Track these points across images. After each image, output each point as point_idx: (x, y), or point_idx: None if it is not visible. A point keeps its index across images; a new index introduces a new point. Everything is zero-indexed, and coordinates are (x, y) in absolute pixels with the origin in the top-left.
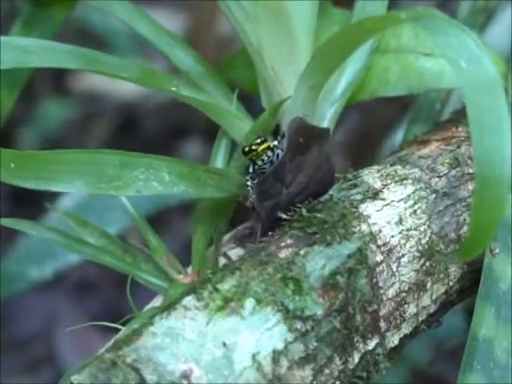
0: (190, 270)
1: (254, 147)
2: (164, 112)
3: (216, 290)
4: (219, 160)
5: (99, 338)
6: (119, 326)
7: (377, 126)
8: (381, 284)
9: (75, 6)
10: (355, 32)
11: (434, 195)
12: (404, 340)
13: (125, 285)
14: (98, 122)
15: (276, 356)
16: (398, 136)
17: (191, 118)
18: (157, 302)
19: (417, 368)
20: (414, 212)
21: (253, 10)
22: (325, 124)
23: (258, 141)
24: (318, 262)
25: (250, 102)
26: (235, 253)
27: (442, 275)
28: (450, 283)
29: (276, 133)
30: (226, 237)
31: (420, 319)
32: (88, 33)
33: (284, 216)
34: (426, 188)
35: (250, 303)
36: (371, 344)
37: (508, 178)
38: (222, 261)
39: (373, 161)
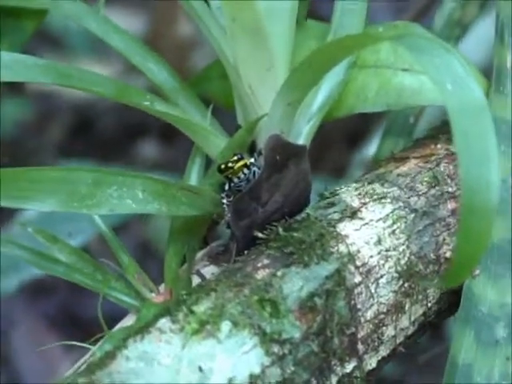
0: (162, 288)
1: (230, 164)
2: (119, 112)
3: (191, 312)
4: (193, 177)
5: (55, 340)
6: (89, 346)
7: (336, 135)
8: (359, 306)
9: (45, 18)
10: (334, 49)
11: (413, 215)
12: (381, 362)
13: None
14: (53, 122)
15: (253, 381)
16: (369, 149)
17: (147, 117)
18: (128, 321)
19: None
20: (393, 232)
21: (230, 26)
22: (300, 140)
23: (235, 158)
24: (296, 284)
25: (223, 116)
26: (209, 270)
27: (420, 296)
28: (429, 304)
29: (252, 149)
30: (199, 254)
31: (398, 341)
32: (43, 32)
33: (260, 235)
34: (405, 207)
35: (226, 326)
36: (349, 367)
37: (494, 206)
38: (195, 279)
39: (338, 172)
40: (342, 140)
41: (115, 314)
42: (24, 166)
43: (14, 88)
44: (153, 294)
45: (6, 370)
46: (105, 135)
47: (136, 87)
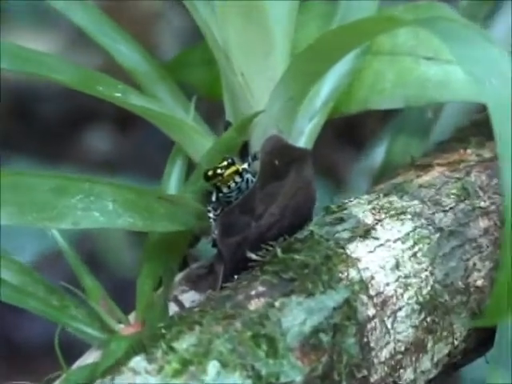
0: (132, 317)
1: (219, 171)
2: (66, 95)
3: (171, 349)
4: (172, 183)
5: None
6: None
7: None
8: (372, 344)
9: None
10: (347, 35)
11: (437, 234)
12: None
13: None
14: None
15: None
16: (377, 151)
17: (98, 101)
18: (89, 356)
19: None
20: (414, 255)
21: (220, 2)
22: (302, 141)
23: (224, 163)
24: (297, 317)
25: (208, 110)
26: (188, 297)
27: (445, 333)
28: (455, 342)
29: (243, 152)
30: (177, 277)
31: None
32: None
33: (253, 256)
34: (429, 225)
35: (213, 367)
36: None
37: None
38: (172, 307)
39: (329, 173)
40: (334, 134)
41: (70, 344)
42: None
43: None
44: (121, 325)
45: None
46: (48, 122)
47: (105, 75)
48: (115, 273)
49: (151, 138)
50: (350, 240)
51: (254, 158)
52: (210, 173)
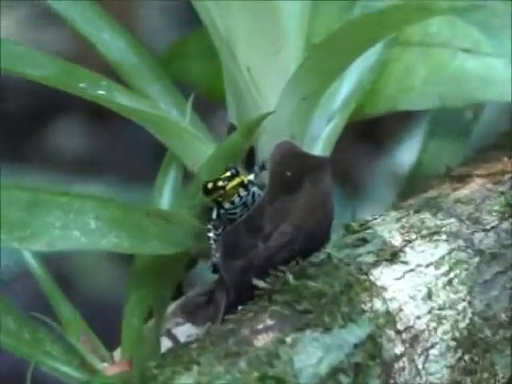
0: (118, 354)
1: (220, 183)
2: (31, 88)
3: None
4: (165, 197)
5: None
6: None
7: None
8: None
9: None
10: (373, 25)
11: (477, 258)
12: None
13: None
14: None
15: None
16: (404, 155)
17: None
18: None
19: None
20: (449, 282)
21: None
22: (318, 147)
23: (227, 174)
24: (312, 355)
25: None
26: (184, 331)
27: (485, 374)
28: None
29: (249, 160)
30: (171, 307)
31: None
32: None
33: (260, 283)
34: (467, 247)
35: None
36: None
37: None
38: (165, 342)
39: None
40: (351, 136)
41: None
42: None
43: None
44: (105, 364)
45: None
46: (11, 118)
47: (86, 70)
48: (94, 298)
49: (136, 132)
50: (375, 265)
51: (262, 167)
52: (210, 185)
